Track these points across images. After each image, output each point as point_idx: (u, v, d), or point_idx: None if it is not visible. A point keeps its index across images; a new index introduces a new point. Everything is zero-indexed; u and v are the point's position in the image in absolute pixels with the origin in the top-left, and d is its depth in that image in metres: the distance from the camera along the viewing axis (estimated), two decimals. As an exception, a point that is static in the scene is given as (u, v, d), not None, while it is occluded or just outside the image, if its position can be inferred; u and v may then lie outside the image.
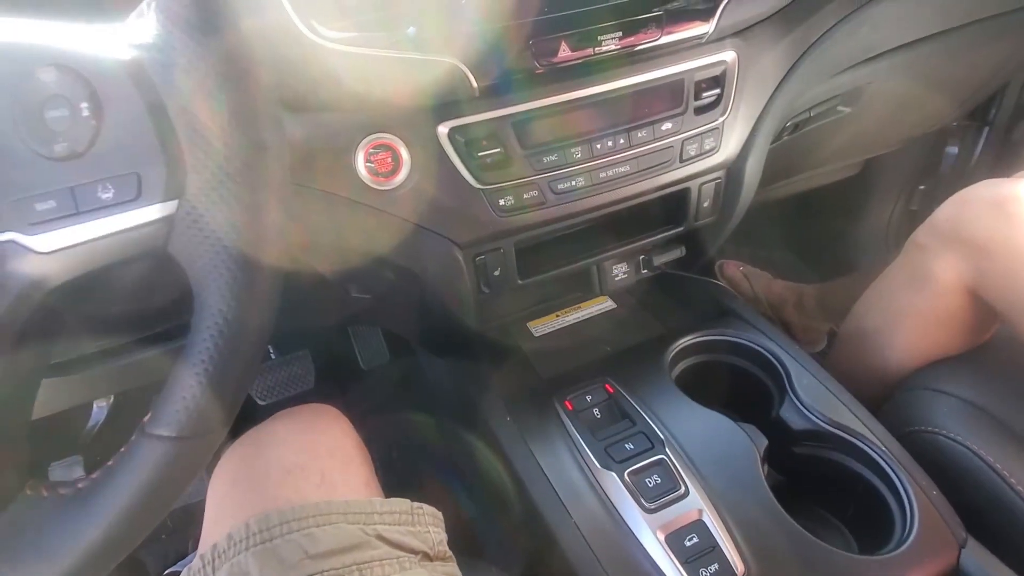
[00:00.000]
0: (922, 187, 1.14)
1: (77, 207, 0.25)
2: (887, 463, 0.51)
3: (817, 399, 0.56)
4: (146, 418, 0.27)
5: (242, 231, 0.26)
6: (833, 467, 0.55)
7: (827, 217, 1.24)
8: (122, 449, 0.27)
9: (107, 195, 0.25)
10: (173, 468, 0.27)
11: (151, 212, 0.26)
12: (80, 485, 0.27)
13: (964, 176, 1.07)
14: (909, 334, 0.63)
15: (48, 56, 0.24)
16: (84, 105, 0.24)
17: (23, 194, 0.24)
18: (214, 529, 0.42)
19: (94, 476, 0.27)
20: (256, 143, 0.26)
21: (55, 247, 0.25)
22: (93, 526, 0.26)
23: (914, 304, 0.63)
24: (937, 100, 0.85)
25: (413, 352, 0.88)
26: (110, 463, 0.27)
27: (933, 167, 1.13)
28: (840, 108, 0.73)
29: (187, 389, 0.26)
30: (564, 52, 0.48)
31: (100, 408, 0.86)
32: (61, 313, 0.31)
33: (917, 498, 0.48)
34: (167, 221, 0.26)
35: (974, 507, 0.48)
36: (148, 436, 0.26)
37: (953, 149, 1.11)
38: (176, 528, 0.83)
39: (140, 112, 0.25)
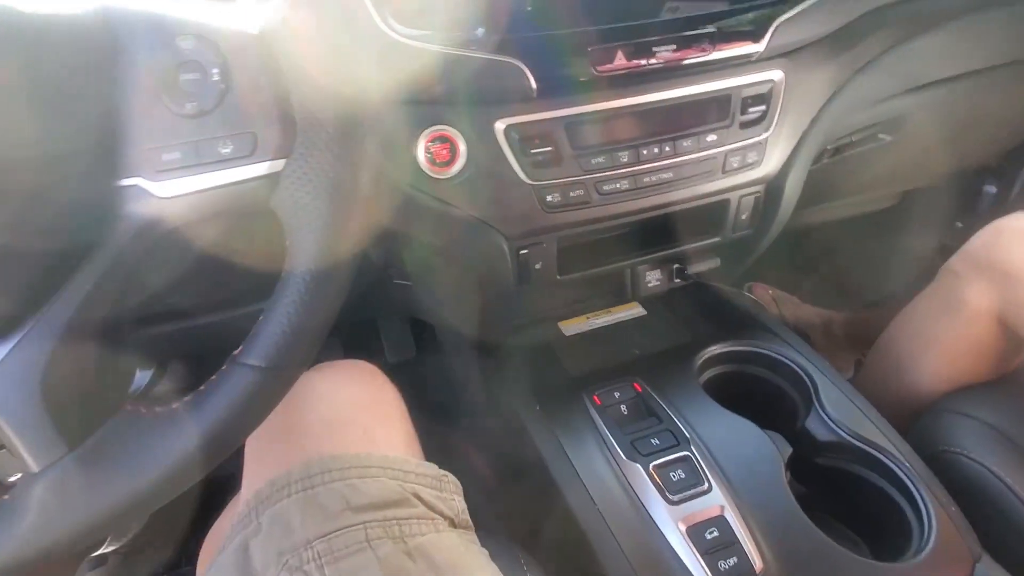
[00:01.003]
0: (959, 224, 1.14)
1: (199, 159, 0.28)
2: (909, 478, 0.51)
3: (843, 413, 0.57)
4: (237, 351, 0.30)
5: (337, 190, 0.29)
6: (855, 480, 0.55)
7: (861, 247, 1.24)
8: (214, 377, 0.30)
9: (226, 150, 0.28)
10: (258, 395, 0.30)
11: (261, 168, 0.29)
12: (174, 406, 0.30)
13: (1002, 216, 1.07)
14: (939, 359, 0.64)
15: (188, 27, 0.28)
16: (215, 71, 0.28)
17: (153, 144, 0.28)
18: (255, 478, 0.42)
19: (187, 399, 0.30)
20: (355, 115, 0.29)
21: (174, 193, 0.28)
22: (183, 442, 0.29)
23: (945, 330, 0.63)
24: (977, 136, 0.85)
25: (439, 347, 0.91)
26: (202, 388, 0.30)
27: (971, 205, 1.13)
28: (881, 136, 0.75)
29: (277, 325, 0.29)
30: (619, 61, 0.51)
31: (144, 374, 0.90)
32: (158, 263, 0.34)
33: (935, 512, 0.49)
34: (273, 178, 0.29)
35: (991, 525, 0.49)
36: (240, 365, 0.30)
37: (992, 188, 1.11)
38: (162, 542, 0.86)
39: (262, 79, 0.28)
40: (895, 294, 1.17)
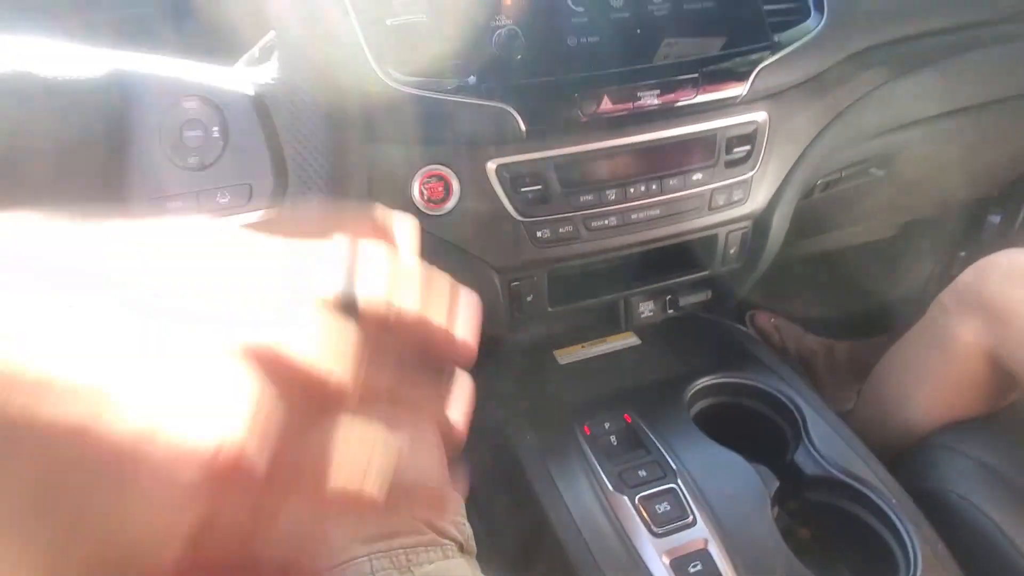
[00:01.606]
0: (963, 254, 1.14)
1: (199, 208, 0.31)
2: (896, 515, 0.52)
3: (832, 448, 0.58)
4: None
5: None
6: (842, 515, 0.55)
7: (864, 276, 1.24)
8: None
9: (224, 200, 0.31)
10: None
11: (257, 215, 0.31)
12: None
13: (1006, 245, 1.07)
14: (929, 394, 0.64)
15: (192, 88, 0.31)
16: (215, 128, 0.31)
17: (158, 195, 0.31)
18: None
19: None
20: (344, 167, 0.32)
21: None
22: None
23: (935, 365, 0.64)
24: (973, 170, 0.86)
25: None
26: None
27: (975, 234, 1.13)
28: (873, 171, 0.76)
29: None
30: (606, 105, 0.53)
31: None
32: None
33: (922, 549, 0.49)
34: None
35: (979, 564, 0.49)
36: None
37: (995, 218, 1.11)
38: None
39: (257, 136, 0.31)
40: (899, 324, 1.17)
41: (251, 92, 0.31)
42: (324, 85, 0.32)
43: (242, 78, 0.32)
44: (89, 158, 0.30)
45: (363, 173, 0.33)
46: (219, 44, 0.41)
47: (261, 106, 0.31)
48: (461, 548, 0.44)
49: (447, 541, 0.42)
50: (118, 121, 0.31)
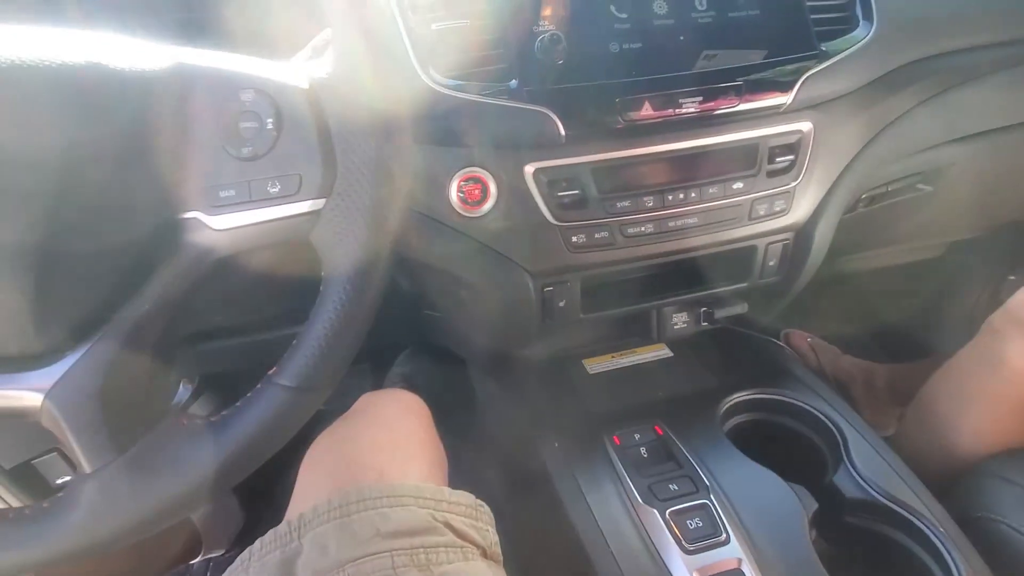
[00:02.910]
0: (1012, 277, 1.09)
1: (251, 197, 0.32)
2: (943, 544, 0.49)
3: (874, 471, 0.55)
4: (272, 370, 0.33)
5: (371, 227, 0.32)
6: (886, 543, 0.53)
7: (906, 297, 1.20)
8: (249, 394, 0.33)
9: (274, 189, 0.32)
10: (288, 412, 0.32)
11: (305, 206, 0.32)
12: (212, 419, 0.32)
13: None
14: (979, 419, 0.61)
15: (249, 82, 0.32)
16: (270, 120, 0.31)
17: (212, 183, 0.31)
18: (302, 501, 0.45)
19: (224, 413, 0.33)
20: (391, 159, 0.32)
21: (227, 226, 0.32)
22: (218, 451, 0.31)
23: (986, 389, 0.61)
24: (1026, 188, 0.83)
25: (466, 376, 0.92)
26: (238, 404, 0.33)
27: (1026, 257, 1.08)
28: (920, 186, 0.74)
29: (309, 349, 0.32)
30: (646, 111, 0.53)
31: (186, 388, 0.95)
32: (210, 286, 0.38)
33: (972, 583, 0.46)
34: (315, 214, 0.32)
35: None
36: (273, 385, 0.32)
37: (1049, 241, 1.06)
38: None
39: (309, 128, 0.31)
40: (941, 348, 1.12)
41: (305, 85, 0.32)
42: (374, 84, 0.32)
43: (297, 72, 0.32)
44: (152, 147, 0.31)
45: (407, 172, 0.34)
46: (275, 41, 0.43)
47: (314, 99, 0.32)
48: (484, 554, 0.43)
49: (467, 544, 0.42)
50: (179, 112, 0.32)
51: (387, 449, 0.47)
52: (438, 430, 0.55)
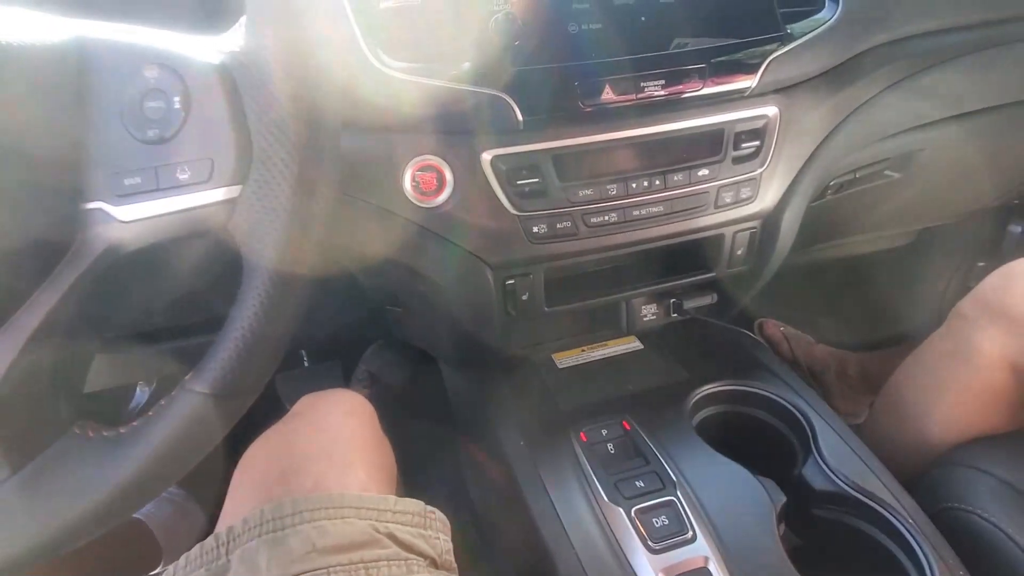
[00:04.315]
0: (981, 264, 1.10)
1: (158, 184, 0.29)
2: (913, 536, 0.48)
3: (843, 462, 0.54)
4: (188, 376, 0.30)
5: (292, 217, 0.29)
6: (855, 535, 0.52)
7: (877, 285, 1.20)
8: (162, 401, 0.30)
9: (184, 176, 0.29)
10: (205, 422, 0.29)
11: (218, 194, 0.29)
12: (122, 431, 0.30)
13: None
14: (949, 408, 0.60)
15: (154, 56, 0.29)
16: (177, 99, 0.28)
17: (115, 169, 0.28)
18: (232, 513, 0.43)
19: (135, 423, 0.30)
20: (315, 149, 0.29)
21: (134, 217, 0.29)
22: (127, 467, 0.28)
23: (955, 377, 0.60)
24: (995, 175, 0.83)
25: (437, 370, 0.90)
26: (150, 413, 0.30)
27: (994, 245, 1.09)
28: (888, 173, 0.73)
29: (226, 351, 0.29)
30: (607, 95, 0.51)
31: (143, 391, 0.91)
32: (123, 290, 0.35)
33: (941, 573, 0.45)
34: (230, 203, 0.29)
35: (1004, 593, 0.45)
36: (187, 391, 0.29)
37: (1016, 228, 1.07)
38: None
39: (221, 108, 0.29)
40: (912, 335, 1.13)
41: (216, 60, 0.29)
42: (298, 63, 0.29)
43: (208, 45, 0.29)
44: (48, 130, 0.28)
45: (335, 157, 0.31)
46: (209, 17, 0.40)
47: (226, 77, 0.29)
48: (434, 564, 0.41)
49: (413, 556, 0.40)
50: (77, 91, 0.29)
51: (324, 455, 0.44)
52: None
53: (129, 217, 0.29)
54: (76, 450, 0.29)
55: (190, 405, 0.29)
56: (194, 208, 0.29)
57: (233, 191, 0.29)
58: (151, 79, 0.28)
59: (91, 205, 0.29)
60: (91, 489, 0.28)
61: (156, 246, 0.30)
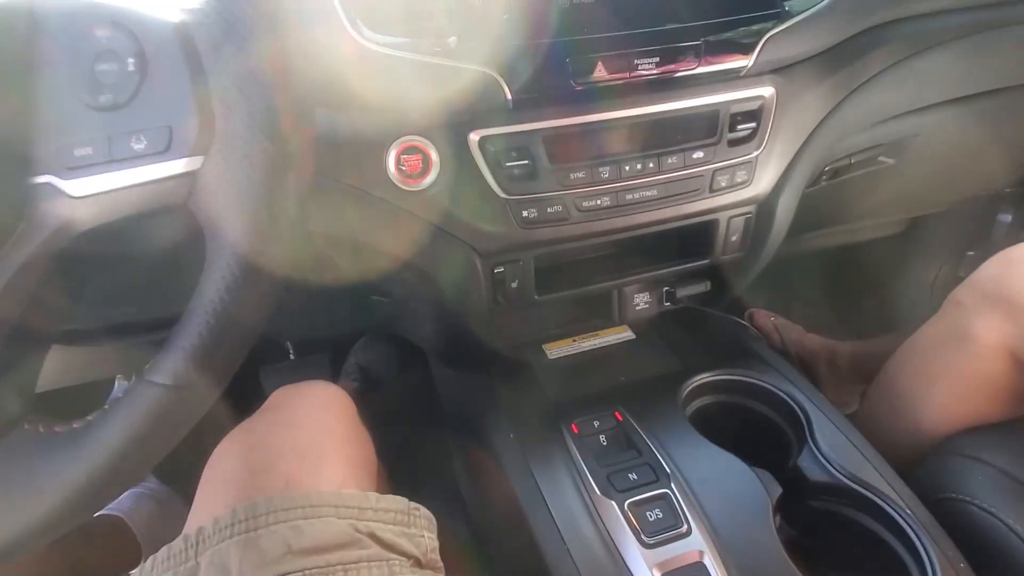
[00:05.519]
0: (971, 253, 1.10)
1: (111, 155, 0.26)
2: (910, 526, 0.47)
3: (839, 452, 0.53)
4: (147, 366, 0.28)
5: (260, 191, 0.27)
6: (851, 526, 0.51)
7: (868, 275, 1.20)
8: (120, 394, 0.27)
9: (139, 146, 0.26)
10: (164, 415, 0.27)
11: (177, 165, 0.27)
12: (75, 425, 0.27)
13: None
14: (944, 396, 0.60)
15: (106, 15, 0.26)
16: (131, 60, 0.26)
17: (65, 139, 0.26)
18: (204, 510, 0.40)
19: (90, 418, 0.27)
20: (282, 117, 0.27)
21: (87, 192, 0.26)
22: (81, 465, 0.26)
23: (951, 365, 0.59)
24: (989, 161, 0.82)
25: (426, 363, 0.88)
26: (106, 406, 0.27)
27: (984, 234, 1.09)
28: (883, 159, 0.72)
29: (188, 339, 0.27)
30: (600, 73, 0.48)
31: (122, 386, 0.88)
32: (81, 273, 0.32)
33: (939, 564, 0.44)
34: (191, 176, 0.27)
35: (1003, 582, 0.44)
36: (145, 383, 0.27)
37: (1006, 217, 1.07)
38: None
39: (181, 71, 0.26)
40: (903, 324, 1.13)
41: (174, 19, 0.27)
42: (267, 25, 0.27)
43: (166, 3, 0.27)
44: None
45: (305, 127, 0.29)
46: None
47: (185, 36, 0.26)
48: (418, 563, 0.39)
49: (395, 556, 0.38)
50: (23, 54, 0.26)
51: (297, 450, 0.42)
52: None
53: (80, 192, 0.26)
54: (27, 448, 0.26)
55: (148, 397, 0.27)
56: (151, 181, 0.27)
57: (194, 163, 0.27)
58: (103, 39, 0.26)
59: (39, 179, 0.26)
60: (46, 488, 0.26)
61: (113, 226, 0.28)
